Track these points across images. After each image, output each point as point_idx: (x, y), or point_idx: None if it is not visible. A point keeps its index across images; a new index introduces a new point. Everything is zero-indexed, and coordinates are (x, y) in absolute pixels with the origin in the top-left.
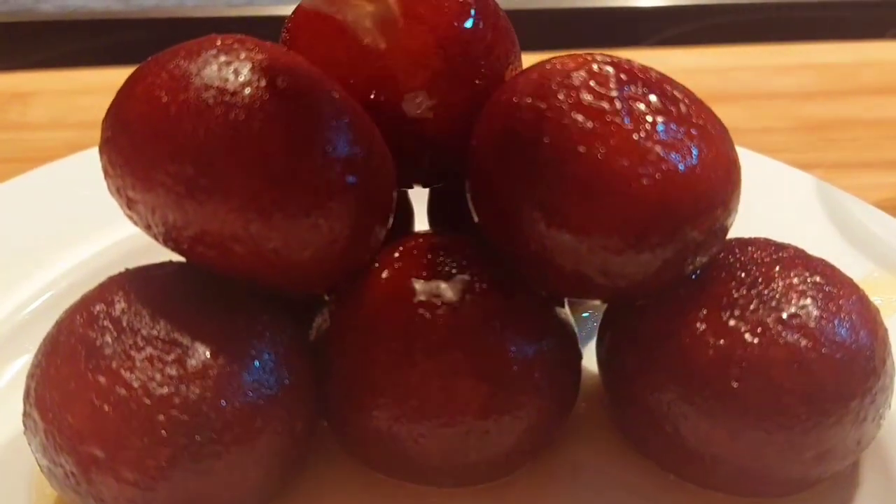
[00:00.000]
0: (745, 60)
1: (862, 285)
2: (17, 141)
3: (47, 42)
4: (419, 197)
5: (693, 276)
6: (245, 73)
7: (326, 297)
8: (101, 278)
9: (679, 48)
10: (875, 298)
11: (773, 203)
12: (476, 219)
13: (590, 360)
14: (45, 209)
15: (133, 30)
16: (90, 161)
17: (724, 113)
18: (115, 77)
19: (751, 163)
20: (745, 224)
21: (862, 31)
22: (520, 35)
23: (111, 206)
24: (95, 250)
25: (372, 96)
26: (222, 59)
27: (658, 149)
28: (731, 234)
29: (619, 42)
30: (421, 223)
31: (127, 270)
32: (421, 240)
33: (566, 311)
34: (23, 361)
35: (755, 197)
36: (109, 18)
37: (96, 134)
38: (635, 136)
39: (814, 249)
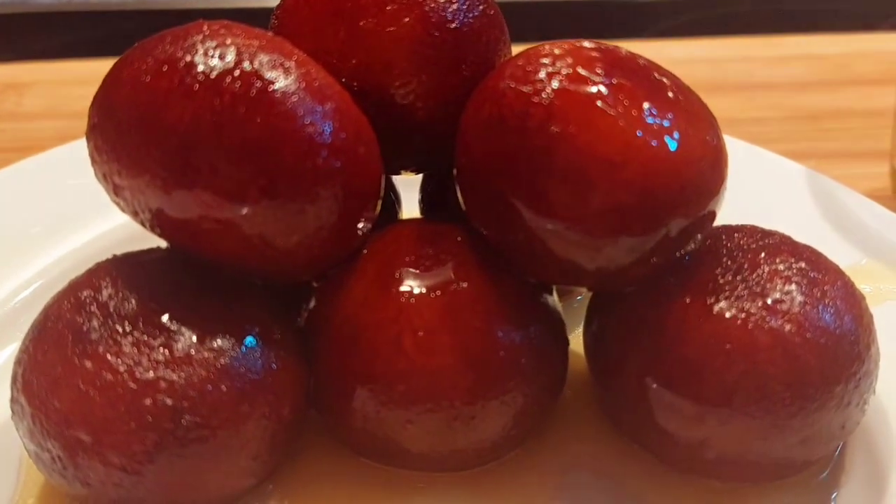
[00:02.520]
0: (738, 52)
1: (851, 273)
2: (13, 130)
3: (43, 33)
4: (411, 184)
5: (679, 263)
6: (231, 58)
7: (315, 284)
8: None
9: (673, 40)
10: (864, 287)
11: (763, 192)
12: (464, 206)
13: (578, 346)
14: (34, 199)
15: (129, 21)
16: (81, 151)
17: (717, 103)
18: (110, 68)
19: (741, 152)
20: (734, 213)
21: (855, 22)
22: (514, 27)
23: (101, 196)
24: (85, 240)
25: (360, 82)
26: (209, 44)
27: (644, 135)
28: (720, 223)
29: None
30: (412, 211)
31: (114, 256)
32: (409, 227)
33: (554, 298)
34: (12, 349)
35: (745, 186)
36: (105, 10)
37: None
38: (621, 122)
39: (803, 238)
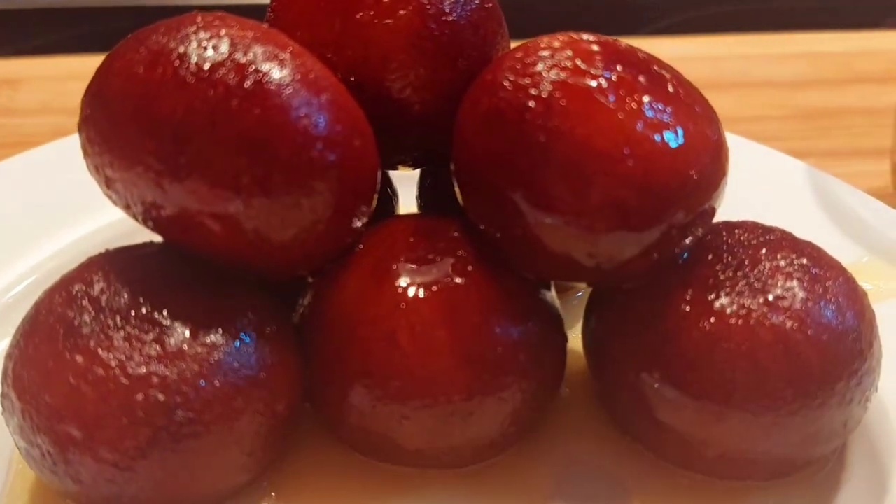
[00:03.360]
0: (738, 49)
1: (852, 271)
2: (6, 126)
3: (37, 29)
4: (409, 179)
5: (679, 259)
6: (225, 49)
7: (311, 279)
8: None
9: (673, 37)
10: (865, 284)
11: (764, 189)
12: (461, 201)
13: (577, 344)
14: (28, 194)
15: (125, 17)
16: (75, 146)
17: (717, 101)
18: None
19: (741, 149)
20: (734, 210)
21: (856, 20)
22: (514, 22)
23: (95, 192)
24: (79, 235)
25: (356, 75)
26: (202, 35)
27: (644, 128)
28: (721, 220)
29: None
30: (409, 205)
31: (107, 251)
32: (406, 221)
33: (552, 294)
34: (3, 345)
35: (745, 183)
36: (101, 5)
37: None
38: (620, 116)
39: (804, 235)
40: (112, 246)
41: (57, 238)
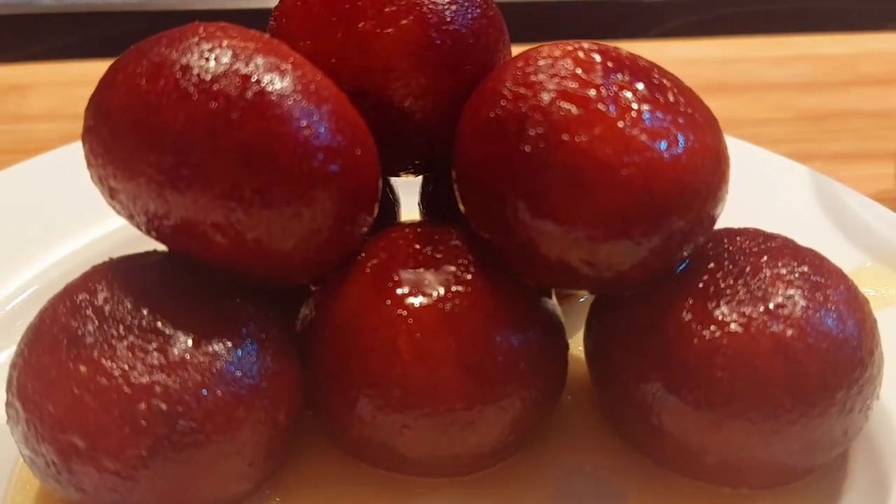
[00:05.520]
0: (744, 52)
1: (855, 277)
2: (15, 132)
3: (45, 34)
4: (411, 186)
5: (680, 266)
6: (227, 60)
7: (313, 288)
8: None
9: (679, 40)
10: (868, 290)
11: (767, 194)
12: (462, 208)
13: (579, 349)
14: (35, 201)
15: (132, 21)
16: (82, 153)
17: (723, 104)
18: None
19: (744, 153)
20: (737, 215)
21: (862, 22)
22: (518, 27)
23: (102, 199)
24: (84, 242)
25: (358, 84)
26: (204, 46)
27: (644, 137)
28: (722, 226)
29: (618, 34)
30: (412, 212)
31: (111, 260)
32: (407, 229)
33: (553, 302)
34: (9, 353)
35: (748, 188)
36: (108, 10)
37: None
38: (620, 125)
39: (807, 240)
40: (118, 253)
41: (63, 245)
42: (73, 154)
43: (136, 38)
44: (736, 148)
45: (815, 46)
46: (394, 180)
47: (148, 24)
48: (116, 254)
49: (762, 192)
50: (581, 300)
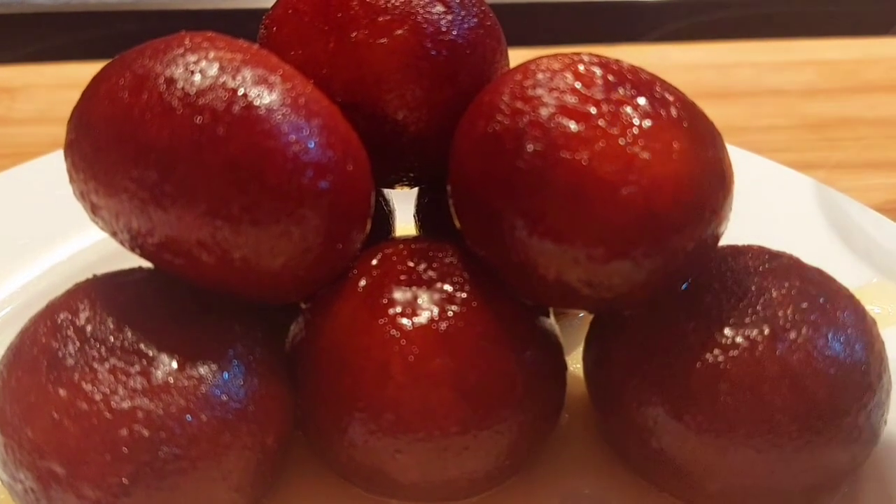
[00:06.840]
0: (746, 57)
1: (861, 293)
2: (4, 136)
3: (36, 35)
4: (407, 197)
5: (683, 286)
6: (213, 73)
7: (303, 305)
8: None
9: (679, 44)
10: (874, 308)
11: (770, 207)
12: (458, 224)
13: (578, 366)
14: (26, 207)
15: (125, 21)
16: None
17: (724, 111)
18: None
19: (747, 164)
20: (740, 229)
21: (866, 27)
22: (517, 31)
23: None
24: (72, 252)
25: (351, 96)
26: (189, 58)
27: (645, 154)
28: (726, 239)
29: (618, 38)
30: (407, 223)
31: (94, 277)
32: (401, 246)
33: (551, 321)
34: None
35: (751, 200)
36: (101, 10)
37: None
38: (621, 142)
39: (812, 255)
40: (106, 264)
41: (52, 255)
42: (60, 162)
43: (131, 39)
44: (739, 158)
45: (818, 51)
46: (388, 190)
47: (142, 24)
48: (103, 266)
49: (764, 203)
50: (580, 316)
